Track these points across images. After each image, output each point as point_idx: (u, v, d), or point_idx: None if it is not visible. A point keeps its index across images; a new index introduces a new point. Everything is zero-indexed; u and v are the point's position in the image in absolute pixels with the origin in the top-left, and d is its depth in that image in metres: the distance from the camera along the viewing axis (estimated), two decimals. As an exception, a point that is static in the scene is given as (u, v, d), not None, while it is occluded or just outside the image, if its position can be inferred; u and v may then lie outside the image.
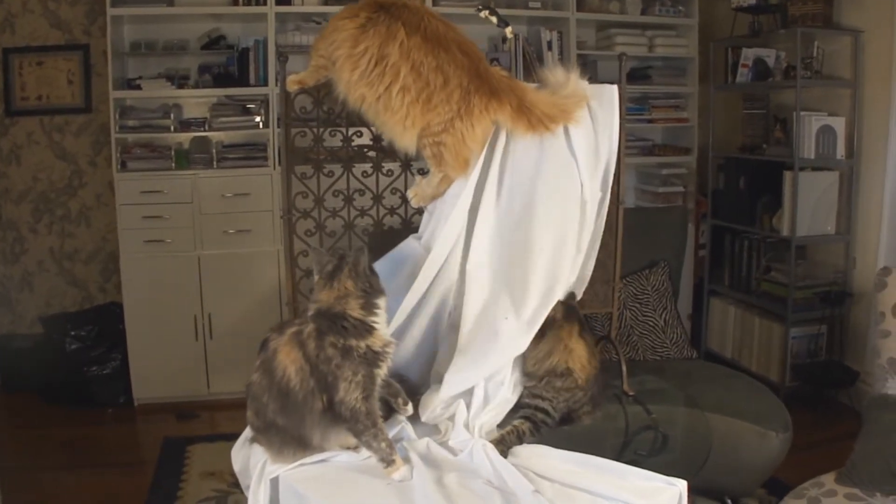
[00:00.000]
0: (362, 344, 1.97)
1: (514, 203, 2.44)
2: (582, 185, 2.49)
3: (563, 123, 2.40)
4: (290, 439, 2.00)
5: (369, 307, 2.01)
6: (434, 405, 2.28)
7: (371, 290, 2.03)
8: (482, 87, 2.31)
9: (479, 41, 5.16)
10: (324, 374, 1.94)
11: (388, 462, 1.98)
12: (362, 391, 1.95)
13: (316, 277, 2.06)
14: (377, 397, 2.02)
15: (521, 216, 2.42)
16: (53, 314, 5.18)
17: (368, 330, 1.99)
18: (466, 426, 2.25)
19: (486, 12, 2.79)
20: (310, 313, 2.03)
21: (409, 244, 2.57)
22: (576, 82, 2.42)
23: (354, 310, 1.98)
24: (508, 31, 2.87)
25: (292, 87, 2.59)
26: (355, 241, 2.91)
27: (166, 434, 4.39)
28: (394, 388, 2.13)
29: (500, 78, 2.39)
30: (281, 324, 2.09)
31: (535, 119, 2.33)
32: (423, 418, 2.28)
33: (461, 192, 2.41)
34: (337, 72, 2.35)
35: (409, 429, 2.22)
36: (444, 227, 2.42)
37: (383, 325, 2.04)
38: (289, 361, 1.97)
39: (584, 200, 2.50)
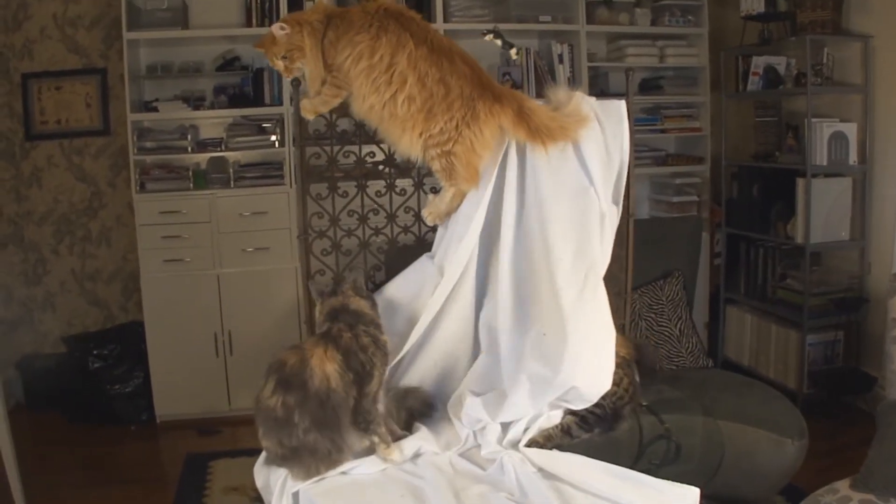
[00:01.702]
0: (383, 338, 2.06)
1: (532, 223, 2.46)
2: (599, 198, 2.51)
3: (562, 141, 2.42)
4: (323, 452, 2.04)
5: (375, 308, 2.14)
6: (478, 418, 2.31)
7: (372, 298, 2.14)
8: (485, 94, 2.35)
9: (492, 57, 5.20)
10: (361, 363, 2.01)
11: (386, 443, 2.12)
12: (379, 385, 2.09)
13: (318, 301, 2.15)
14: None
15: (539, 236, 2.45)
16: (76, 334, 5.25)
17: (379, 326, 2.08)
18: (499, 441, 2.28)
19: (491, 36, 2.83)
20: (322, 317, 2.11)
21: (422, 263, 2.61)
22: (578, 102, 2.45)
23: (364, 307, 2.08)
24: (513, 52, 2.91)
25: (310, 116, 2.60)
26: (370, 260, 2.96)
27: (189, 450, 4.43)
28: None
29: (502, 87, 2.43)
30: (289, 346, 2.15)
31: (533, 126, 2.35)
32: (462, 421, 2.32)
33: (474, 212, 2.44)
34: (354, 83, 2.39)
35: (428, 444, 2.25)
36: (457, 247, 2.45)
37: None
38: (326, 360, 2.01)
39: (602, 213, 2.52)
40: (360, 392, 2.03)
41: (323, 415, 2.01)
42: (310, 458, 2.05)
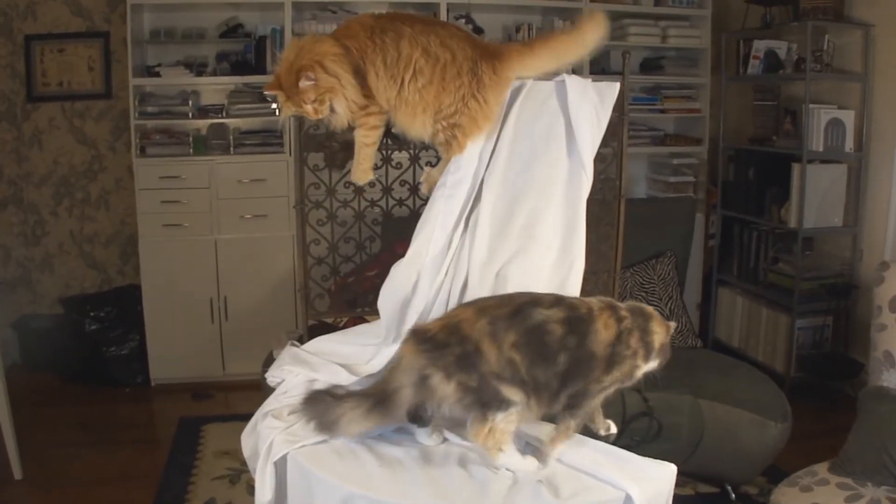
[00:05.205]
0: (643, 364, 1.97)
1: (522, 209, 2.47)
2: (587, 181, 2.52)
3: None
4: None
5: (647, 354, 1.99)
6: None
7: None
8: (484, 53, 2.33)
9: (494, 31, 5.22)
10: (618, 355, 1.94)
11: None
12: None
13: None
14: None
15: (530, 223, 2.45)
16: (73, 295, 5.29)
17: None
18: None
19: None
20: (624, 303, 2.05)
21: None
22: None
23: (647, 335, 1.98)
24: None
25: (368, 177, 2.49)
26: (365, 231, 2.99)
27: (182, 413, 4.49)
28: None
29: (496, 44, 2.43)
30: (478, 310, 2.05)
31: (502, 65, 2.33)
32: None
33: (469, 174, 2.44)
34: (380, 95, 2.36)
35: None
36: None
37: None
38: (603, 328, 1.94)
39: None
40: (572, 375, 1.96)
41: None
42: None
